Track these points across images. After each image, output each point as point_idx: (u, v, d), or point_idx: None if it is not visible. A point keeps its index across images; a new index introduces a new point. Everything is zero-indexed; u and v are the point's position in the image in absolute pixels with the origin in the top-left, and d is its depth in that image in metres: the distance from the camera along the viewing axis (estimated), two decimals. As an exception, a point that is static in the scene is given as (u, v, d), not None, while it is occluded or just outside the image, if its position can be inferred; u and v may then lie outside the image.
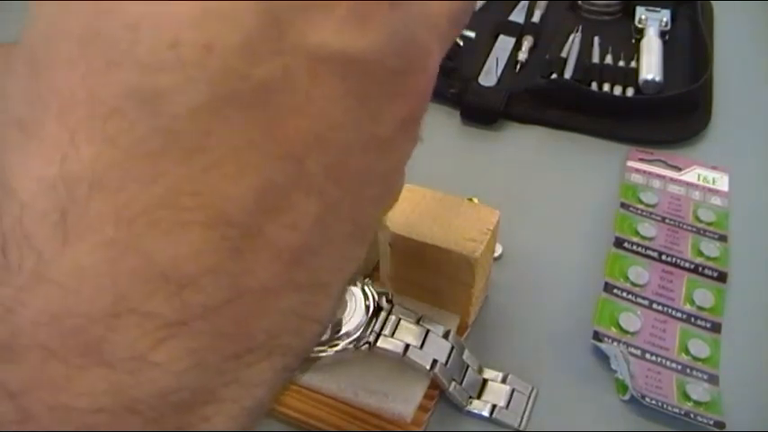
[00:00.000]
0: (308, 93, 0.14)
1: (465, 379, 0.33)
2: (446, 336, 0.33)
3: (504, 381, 0.34)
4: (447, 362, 0.32)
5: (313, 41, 0.14)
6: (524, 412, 0.33)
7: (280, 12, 0.14)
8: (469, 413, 0.33)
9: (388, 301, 0.33)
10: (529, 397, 0.34)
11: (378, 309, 0.33)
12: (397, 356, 0.32)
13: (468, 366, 0.34)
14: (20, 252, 0.13)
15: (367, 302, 0.33)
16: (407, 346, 0.32)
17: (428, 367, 0.32)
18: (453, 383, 0.33)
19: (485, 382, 0.34)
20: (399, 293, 0.36)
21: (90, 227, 0.13)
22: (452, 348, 0.33)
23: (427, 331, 0.32)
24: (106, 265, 0.13)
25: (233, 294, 0.14)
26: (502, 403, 0.33)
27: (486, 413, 0.33)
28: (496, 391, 0.34)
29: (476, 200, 0.41)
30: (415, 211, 0.34)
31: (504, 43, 0.57)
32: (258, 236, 0.14)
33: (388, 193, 0.18)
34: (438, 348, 0.32)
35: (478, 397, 0.34)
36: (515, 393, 0.34)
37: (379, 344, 0.32)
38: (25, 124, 0.14)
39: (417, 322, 0.33)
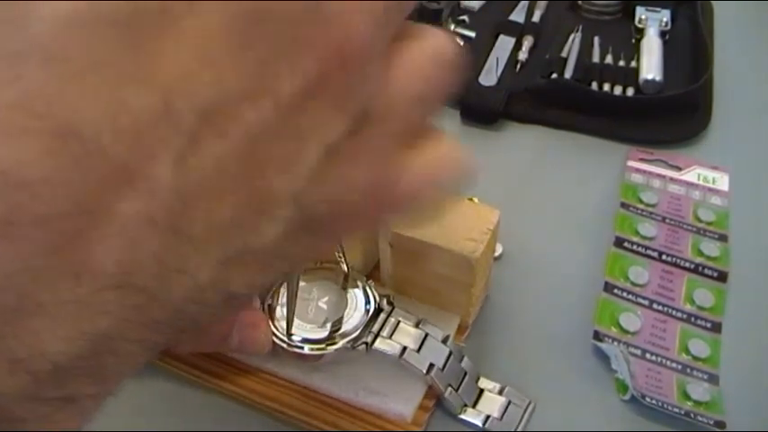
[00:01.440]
0: (183, 23, 0.14)
1: (462, 386, 0.33)
2: (445, 341, 0.33)
3: (500, 392, 0.34)
4: (444, 367, 0.32)
5: None
6: (518, 425, 0.33)
7: None
8: (462, 421, 0.33)
9: (388, 302, 0.33)
10: (525, 410, 0.33)
11: (378, 310, 0.33)
12: (394, 359, 0.32)
13: (465, 373, 0.33)
14: None
15: (367, 304, 0.33)
16: (404, 348, 0.32)
17: (424, 371, 0.31)
18: (449, 389, 0.32)
19: (481, 391, 0.34)
20: (399, 293, 0.36)
21: None
22: (450, 354, 0.32)
23: (426, 335, 0.32)
24: None
25: (73, 210, 0.14)
26: (496, 414, 0.33)
27: (478, 423, 0.32)
28: (492, 402, 0.33)
29: (476, 200, 0.41)
30: (415, 210, 0.34)
31: (505, 43, 0.56)
32: (106, 156, 0.14)
33: (304, 163, 0.16)
34: (436, 353, 0.32)
35: (474, 406, 0.33)
36: (511, 406, 0.33)
37: (376, 345, 0.32)
38: None
39: (416, 325, 0.33)
